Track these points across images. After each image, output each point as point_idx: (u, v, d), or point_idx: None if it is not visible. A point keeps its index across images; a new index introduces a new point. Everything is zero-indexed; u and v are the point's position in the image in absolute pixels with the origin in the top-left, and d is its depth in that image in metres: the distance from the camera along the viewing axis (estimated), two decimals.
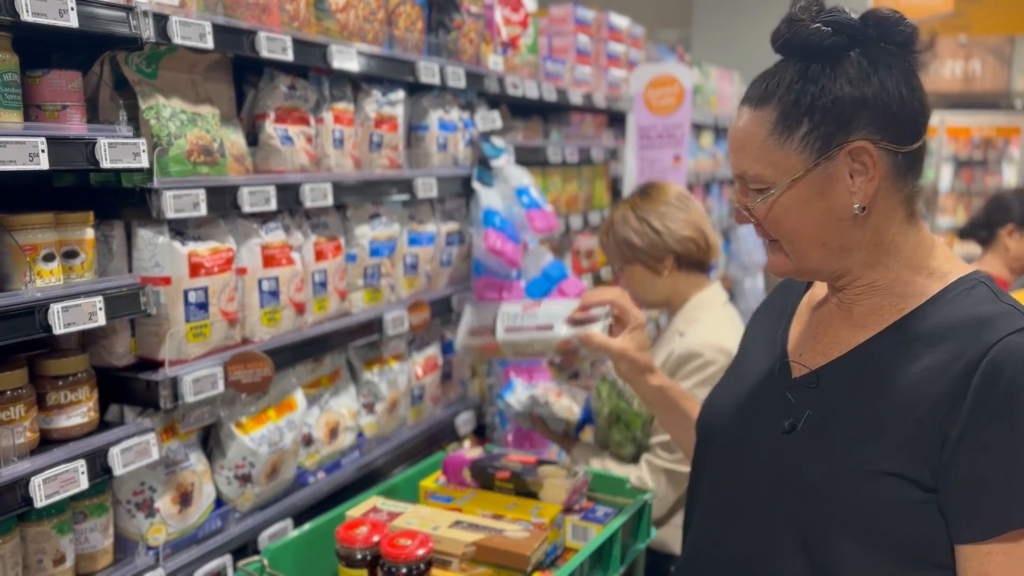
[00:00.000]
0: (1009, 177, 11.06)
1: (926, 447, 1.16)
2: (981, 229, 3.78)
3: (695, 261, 2.34)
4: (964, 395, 1.13)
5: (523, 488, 1.94)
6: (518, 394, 2.30)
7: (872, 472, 1.19)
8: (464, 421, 2.81)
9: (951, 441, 1.14)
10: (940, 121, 10.31)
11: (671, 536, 2.20)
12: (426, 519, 1.77)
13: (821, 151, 1.20)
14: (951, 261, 1.28)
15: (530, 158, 3.06)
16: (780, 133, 1.22)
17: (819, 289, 1.44)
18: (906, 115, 1.20)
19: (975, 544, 1.14)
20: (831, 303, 1.35)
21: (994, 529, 1.12)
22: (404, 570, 1.57)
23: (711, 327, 2.24)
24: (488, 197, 2.69)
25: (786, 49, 1.25)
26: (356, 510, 1.85)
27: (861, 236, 1.24)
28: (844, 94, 1.19)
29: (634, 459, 2.23)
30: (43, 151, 1.45)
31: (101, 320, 1.57)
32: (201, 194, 1.77)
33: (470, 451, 2.07)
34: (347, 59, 2.15)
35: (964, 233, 3.92)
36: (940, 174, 10.70)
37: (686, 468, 2.06)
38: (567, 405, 2.43)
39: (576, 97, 3.43)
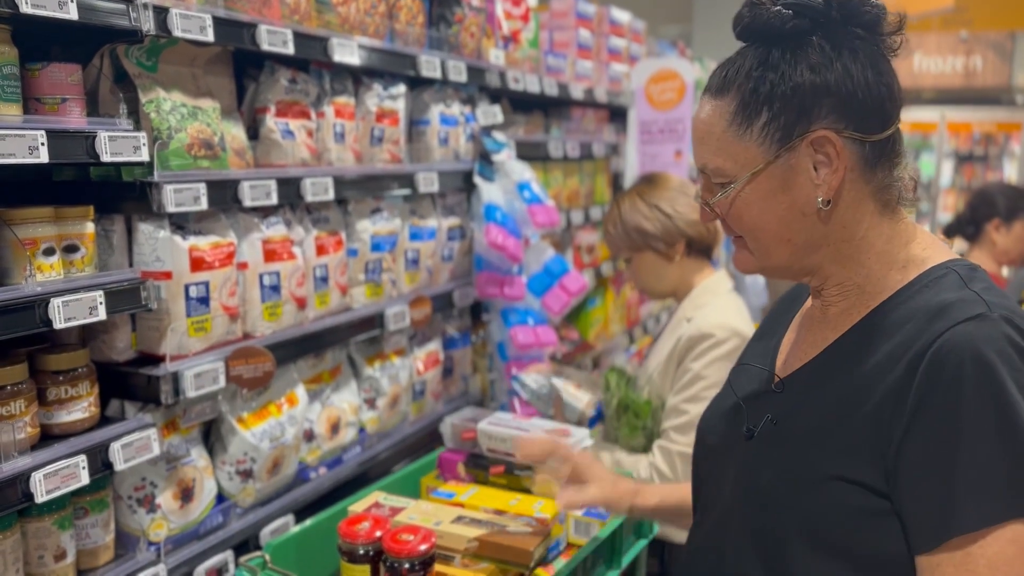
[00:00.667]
0: (1010, 172, 11.03)
1: (874, 447, 1.08)
2: (967, 225, 3.75)
3: (705, 246, 2.35)
4: (909, 389, 1.05)
5: (516, 483, 1.94)
6: (536, 377, 2.30)
7: (819, 477, 1.12)
8: None
9: (896, 439, 1.06)
10: (941, 116, 10.29)
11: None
12: (428, 514, 1.77)
13: (782, 142, 1.14)
14: (931, 247, 1.20)
15: (531, 153, 3.05)
16: (739, 124, 1.16)
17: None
18: (873, 102, 1.13)
19: (927, 555, 1.04)
20: (815, 307, 1.30)
21: (939, 535, 1.03)
22: (407, 565, 1.57)
23: (718, 310, 2.24)
24: (489, 192, 2.68)
25: (747, 34, 1.18)
26: (358, 505, 1.84)
27: (827, 231, 1.17)
28: (804, 81, 1.12)
29: (645, 450, 2.23)
30: (43, 144, 1.44)
31: (102, 315, 1.57)
32: (202, 188, 1.76)
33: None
34: (348, 53, 2.14)
35: (950, 230, 3.84)
36: (941, 170, 10.68)
37: None
38: (584, 398, 2.43)
39: (577, 92, 3.42)
